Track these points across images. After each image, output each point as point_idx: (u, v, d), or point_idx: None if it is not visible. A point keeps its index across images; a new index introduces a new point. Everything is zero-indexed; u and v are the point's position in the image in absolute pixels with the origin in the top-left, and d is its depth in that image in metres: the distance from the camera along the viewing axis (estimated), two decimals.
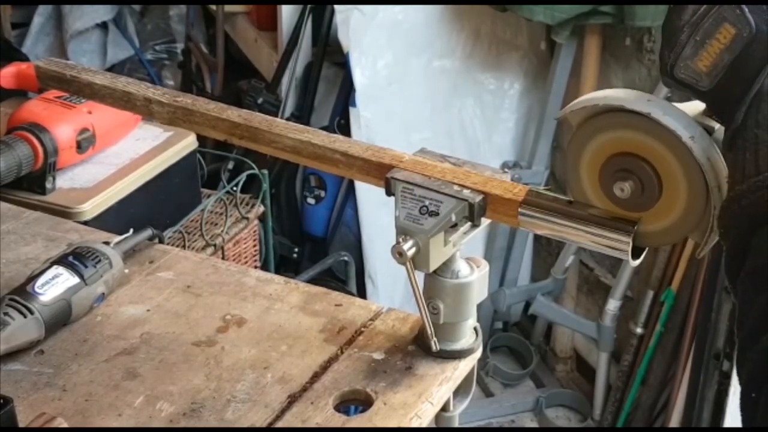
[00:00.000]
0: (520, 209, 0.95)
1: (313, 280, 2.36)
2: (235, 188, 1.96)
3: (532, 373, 2.92)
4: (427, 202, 0.97)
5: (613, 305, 2.58)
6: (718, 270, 2.17)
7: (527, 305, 2.87)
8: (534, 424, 2.80)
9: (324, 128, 2.40)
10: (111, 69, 3.41)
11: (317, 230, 2.78)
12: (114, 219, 1.60)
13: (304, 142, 1.07)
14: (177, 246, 1.64)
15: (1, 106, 1.79)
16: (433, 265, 1.00)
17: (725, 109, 0.78)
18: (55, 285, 1.10)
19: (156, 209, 1.74)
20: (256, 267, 2.05)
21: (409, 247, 0.97)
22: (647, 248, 0.93)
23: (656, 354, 2.45)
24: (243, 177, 1.98)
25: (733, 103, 0.76)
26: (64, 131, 1.60)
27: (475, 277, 1.03)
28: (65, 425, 0.94)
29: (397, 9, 2.58)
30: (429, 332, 1.03)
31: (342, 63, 2.66)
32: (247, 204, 2.03)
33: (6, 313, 1.06)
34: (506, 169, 2.50)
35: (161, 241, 1.33)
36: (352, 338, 1.11)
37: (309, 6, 2.67)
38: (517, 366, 2.98)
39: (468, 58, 2.72)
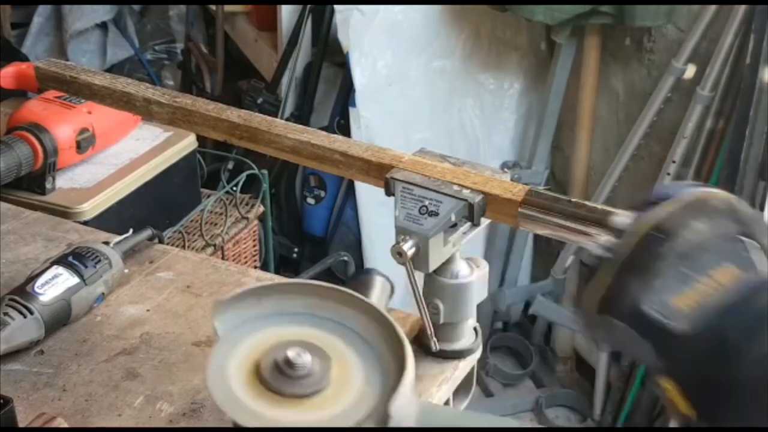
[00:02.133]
0: (519, 209, 0.95)
1: None
2: (234, 188, 1.96)
3: (532, 373, 2.92)
4: (426, 202, 0.97)
5: None
6: None
7: (527, 305, 2.87)
8: (534, 424, 2.80)
9: (324, 128, 2.41)
10: (111, 69, 3.41)
11: (317, 230, 2.78)
12: (114, 219, 1.60)
13: (303, 142, 1.07)
14: (177, 246, 1.64)
15: (1, 106, 1.79)
16: (433, 265, 1.00)
17: (699, 378, 0.62)
18: (54, 285, 1.10)
19: (156, 209, 1.74)
20: (255, 267, 2.05)
21: (408, 247, 0.97)
22: None
23: None
24: (243, 177, 1.98)
25: (716, 371, 0.61)
26: (63, 131, 1.61)
27: (474, 277, 1.03)
28: (65, 425, 0.94)
29: (397, 9, 2.58)
30: (429, 332, 1.03)
31: (342, 63, 2.65)
32: (246, 204, 2.03)
33: (6, 313, 1.06)
34: (506, 169, 2.50)
35: (161, 241, 1.33)
36: None
37: (309, 6, 2.67)
38: (517, 366, 2.98)
39: (468, 58, 2.72)
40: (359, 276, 1.01)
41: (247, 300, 0.80)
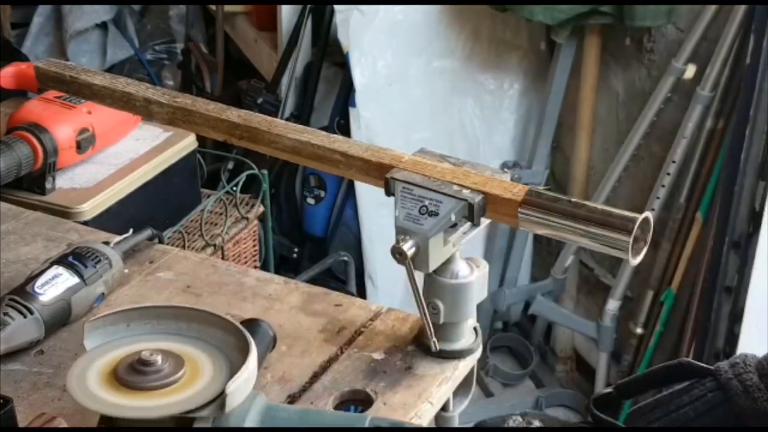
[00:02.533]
0: (519, 209, 0.95)
1: (312, 280, 2.36)
2: (234, 188, 1.96)
3: (532, 373, 2.92)
4: (426, 202, 0.97)
5: (613, 305, 2.58)
6: (718, 270, 2.17)
7: (527, 305, 2.87)
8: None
9: (324, 128, 2.40)
10: (111, 69, 3.41)
11: (317, 230, 2.78)
12: (114, 219, 1.60)
13: (303, 142, 1.07)
14: (177, 246, 1.63)
15: (1, 106, 1.80)
16: (433, 265, 1.00)
17: None
18: (54, 285, 1.10)
19: (156, 209, 1.74)
20: (255, 267, 2.05)
21: (408, 247, 0.97)
22: (646, 247, 0.93)
23: (656, 354, 2.45)
24: (243, 177, 1.98)
25: None
26: (63, 131, 1.61)
27: (474, 277, 1.03)
28: (65, 425, 0.94)
29: (397, 9, 2.58)
30: (429, 332, 1.03)
31: (342, 63, 2.65)
32: (246, 204, 2.03)
33: (6, 313, 1.06)
34: (506, 169, 2.50)
35: (161, 241, 1.33)
36: (352, 338, 1.11)
37: (309, 6, 2.67)
38: (517, 366, 2.98)
39: (468, 58, 2.72)
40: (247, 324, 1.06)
41: (117, 324, 0.90)
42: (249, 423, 0.84)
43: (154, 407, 0.81)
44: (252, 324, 1.06)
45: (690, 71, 2.30)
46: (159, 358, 0.84)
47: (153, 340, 0.88)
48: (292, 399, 1.02)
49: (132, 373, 0.84)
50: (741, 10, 2.14)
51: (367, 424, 0.84)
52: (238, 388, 0.81)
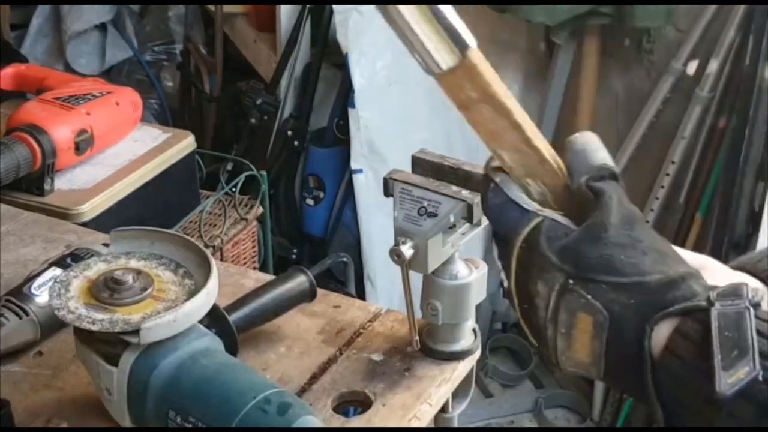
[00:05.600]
0: None
1: None
2: (233, 189, 1.96)
3: (531, 374, 2.92)
4: (425, 203, 0.97)
5: None
6: None
7: None
8: (533, 425, 2.80)
9: (323, 129, 2.40)
10: (110, 70, 3.41)
11: (316, 231, 2.78)
12: (112, 220, 1.60)
13: None
14: None
15: (0, 107, 1.79)
16: (432, 266, 0.99)
17: (630, 388, 0.71)
18: None
19: (154, 210, 1.74)
20: (254, 268, 2.05)
21: (407, 249, 0.97)
22: None
23: None
24: (242, 178, 1.98)
25: (633, 382, 0.68)
26: (62, 132, 1.60)
27: (473, 278, 1.03)
28: (64, 426, 0.94)
29: None
30: (413, 330, 1.03)
31: (341, 64, 2.65)
32: (245, 205, 2.03)
33: (1, 314, 1.06)
34: None
35: None
36: (351, 339, 1.11)
37: (308, 6, 2.67)
38: (516, 367, 2.97)
39: None
40: (290, 271, 1.14)
41: (140, 239, 0.97)
42: (167, 363, 0.89)
43: (116, 320, 0.88)
44: (294, 270, 1.12)
45: (692, 67, 2.30)
46: (129, 278, 0.91)
47: (134, 260, 0.96)
48: None
49: (105, 290, 0.91)
50: (741, 10, 2.14)
51: (263, 395, 0.86)
52: (156, 325, 0.87)
